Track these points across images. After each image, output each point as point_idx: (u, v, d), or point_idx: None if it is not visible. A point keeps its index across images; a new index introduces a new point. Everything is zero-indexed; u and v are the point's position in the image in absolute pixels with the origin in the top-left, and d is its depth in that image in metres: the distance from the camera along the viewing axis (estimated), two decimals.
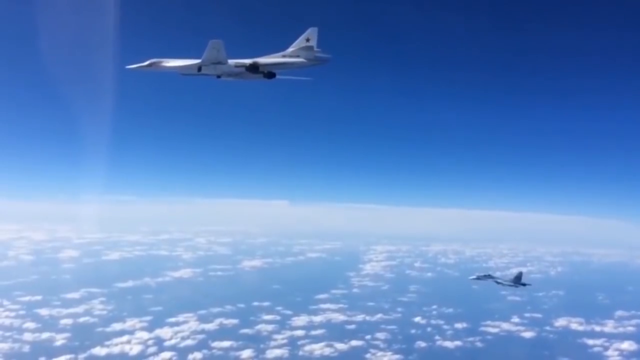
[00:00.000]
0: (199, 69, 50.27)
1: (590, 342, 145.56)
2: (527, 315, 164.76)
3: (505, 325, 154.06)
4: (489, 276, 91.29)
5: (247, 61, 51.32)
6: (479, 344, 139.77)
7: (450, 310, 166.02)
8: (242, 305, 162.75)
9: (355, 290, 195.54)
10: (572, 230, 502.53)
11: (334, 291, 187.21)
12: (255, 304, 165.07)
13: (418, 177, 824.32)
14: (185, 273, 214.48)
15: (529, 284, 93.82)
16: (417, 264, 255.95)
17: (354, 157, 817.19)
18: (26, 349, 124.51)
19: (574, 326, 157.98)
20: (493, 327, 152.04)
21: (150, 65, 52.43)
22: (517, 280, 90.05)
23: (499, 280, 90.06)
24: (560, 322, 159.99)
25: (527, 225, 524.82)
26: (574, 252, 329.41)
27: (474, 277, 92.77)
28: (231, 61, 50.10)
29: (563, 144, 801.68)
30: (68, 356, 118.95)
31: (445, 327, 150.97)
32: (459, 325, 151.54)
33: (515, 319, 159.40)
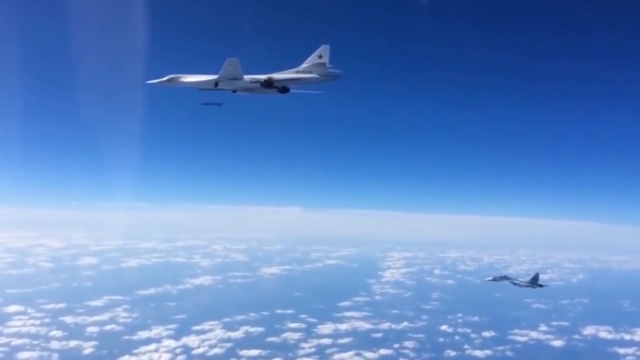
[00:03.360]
0: (216, 84, 51.83)
1: (622, 351, 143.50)
2: (554, 323, 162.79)
3: (534, 334, 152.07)
4: (505, 277, 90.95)
5: (262, 77, 52.66)
6: (509, 353, 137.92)
7: (476, 318, 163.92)
8: (265, 313, 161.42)
9: (377, 297, 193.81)
10: (587, 236, 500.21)
11: (356, 299, 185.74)
12: (279, 311, 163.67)
13: (431, 184, 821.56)
14: (205, 280, 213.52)
15: (545, 285, 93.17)
16: (436, 271, 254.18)
17: (365, 163, 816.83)
18: (54, 357, 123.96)
19: (603, 334, 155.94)
20: (521, 336, 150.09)
21: (169, 80, 53.95)
22: (534, 281, 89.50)
23: (515, 281, 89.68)
24: (589, 331, 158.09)
25: (540, 231, 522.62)
26: (592, 259, 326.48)
27: (490, 278, 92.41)
28: (247, 77, 51.44)
29: (577, 151, 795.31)
30: None
31: (473, 335, 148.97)
32: (486, 334, 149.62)
33: (543, 327, 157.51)
